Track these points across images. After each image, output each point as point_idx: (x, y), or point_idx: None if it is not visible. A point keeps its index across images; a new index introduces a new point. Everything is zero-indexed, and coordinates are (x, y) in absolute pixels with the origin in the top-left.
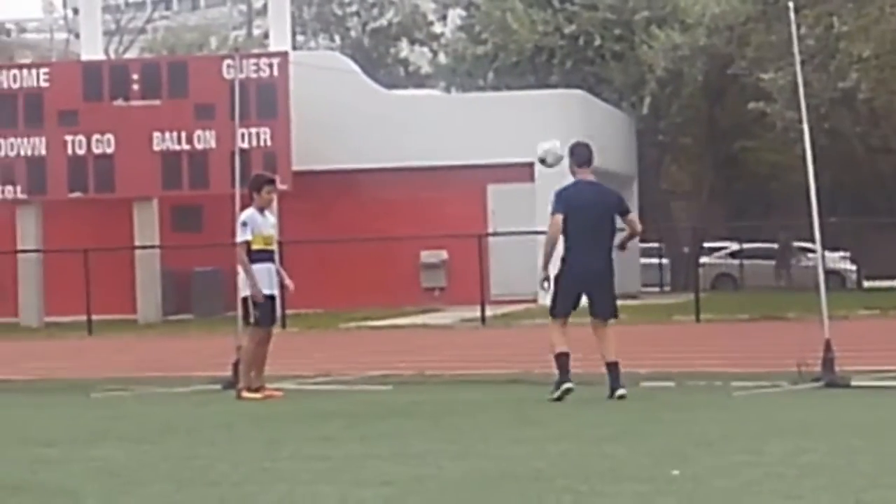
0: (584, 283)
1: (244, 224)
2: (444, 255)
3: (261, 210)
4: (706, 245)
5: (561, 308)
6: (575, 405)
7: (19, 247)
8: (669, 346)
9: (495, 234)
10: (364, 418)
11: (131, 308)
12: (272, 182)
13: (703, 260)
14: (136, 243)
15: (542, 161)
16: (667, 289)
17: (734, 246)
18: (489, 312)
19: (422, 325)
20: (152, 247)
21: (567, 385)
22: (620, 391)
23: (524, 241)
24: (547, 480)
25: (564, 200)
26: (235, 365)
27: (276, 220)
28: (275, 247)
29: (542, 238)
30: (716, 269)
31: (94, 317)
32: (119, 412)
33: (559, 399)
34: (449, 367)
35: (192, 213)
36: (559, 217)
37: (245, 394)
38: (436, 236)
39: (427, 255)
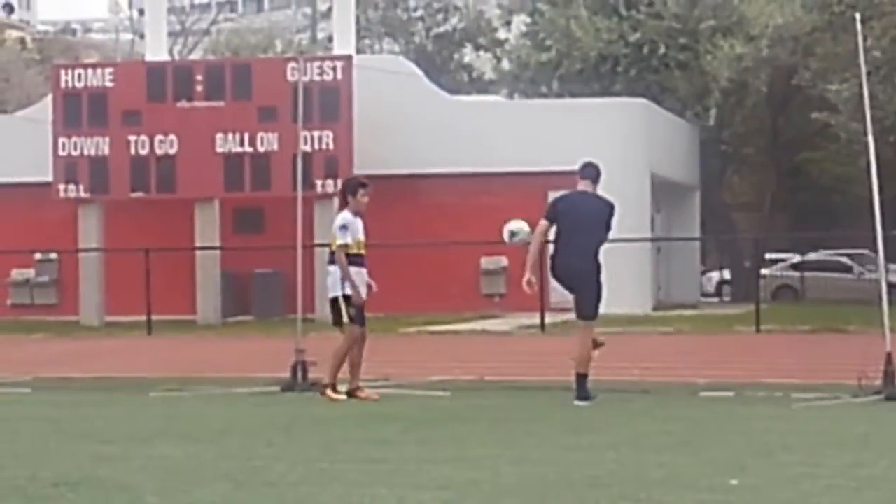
0: (564, 279)
1: (344, 227)
2: (504, 261)
3: (355, 214)
4: (767, 257)
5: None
6: (632, 414)
7: (81, 246)
8: (729, 357)
9: (555, 241)
10: (422, 422)
11: (191, 309)
12: (366, 185)
13: (764, 271)
14: (197, 244)
15: (512, 236)
16: (727, 299)
17: (796, 258)
18: (548, 320)
19: (481, 332)
20: (213, 248)
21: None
22: (575, 402)
23: None
24: (604, 487)
25: (553, 207)
26: (294, 367)
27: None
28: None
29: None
30: (777, 280)
31: (154, 317)
32: (178, 411)
33: None
34: (507, 374)
35: (254, 214)
36: (544, 223)
37: (330, 393)
38: (496, 243)
39: (487, 262)
